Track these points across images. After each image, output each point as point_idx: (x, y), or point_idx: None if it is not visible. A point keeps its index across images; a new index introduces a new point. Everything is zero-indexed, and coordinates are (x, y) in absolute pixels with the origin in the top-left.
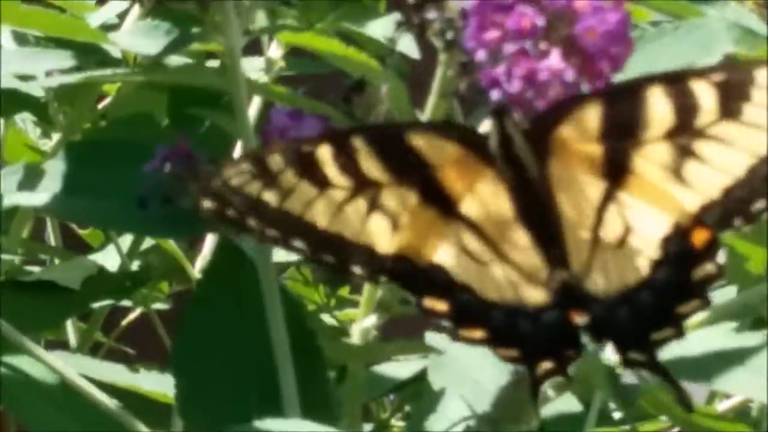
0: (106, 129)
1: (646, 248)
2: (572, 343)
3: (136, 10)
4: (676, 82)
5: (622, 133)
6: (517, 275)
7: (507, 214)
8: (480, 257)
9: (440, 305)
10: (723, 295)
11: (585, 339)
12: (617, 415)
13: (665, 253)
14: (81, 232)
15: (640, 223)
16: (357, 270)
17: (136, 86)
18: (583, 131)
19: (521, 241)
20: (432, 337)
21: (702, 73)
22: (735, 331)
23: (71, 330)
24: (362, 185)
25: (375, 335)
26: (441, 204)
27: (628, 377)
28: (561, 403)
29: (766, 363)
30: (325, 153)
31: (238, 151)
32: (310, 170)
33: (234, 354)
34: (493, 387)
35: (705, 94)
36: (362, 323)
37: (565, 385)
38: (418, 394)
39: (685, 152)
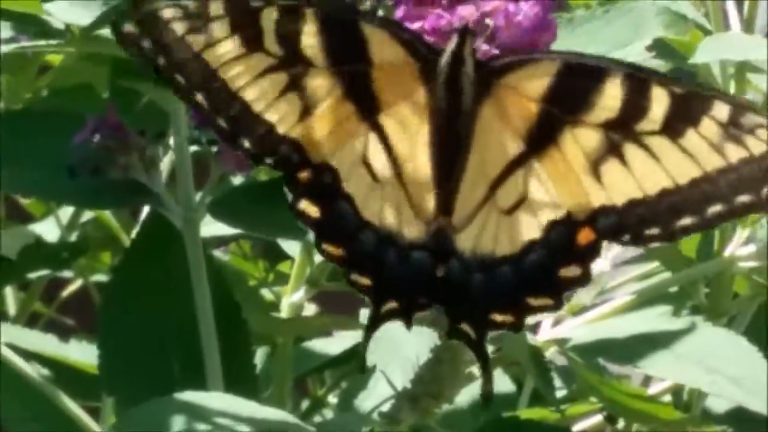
0: (47, 99)
1: (530, 225)
2: (427, 292)
3: None
4: (640, 78)
5: (566, 103)
6: (406, 203)
7: (421, 138)
8: (378, 173)
9: (313, 210)
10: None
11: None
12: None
13: (546, 237)
14: (24, 202)
15: (537, 197)
16: (245, 143)
17: (78, 57)
18: (531, 87)
19: (423, 172)
20: (366, 314)
21: (668, 81)
22: (663, 316)
23: (11, 300)
24: (292, 59)
25: (316, 311)
26: (363, 105)
27: (560, 360)
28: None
29: (692, 347)
30: (270, 15)
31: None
32: (248, 27)
33: (158, 326)
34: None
35: (659, 102)
36: (291, 298)
37: (493, 364)
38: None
39: (612, 149)
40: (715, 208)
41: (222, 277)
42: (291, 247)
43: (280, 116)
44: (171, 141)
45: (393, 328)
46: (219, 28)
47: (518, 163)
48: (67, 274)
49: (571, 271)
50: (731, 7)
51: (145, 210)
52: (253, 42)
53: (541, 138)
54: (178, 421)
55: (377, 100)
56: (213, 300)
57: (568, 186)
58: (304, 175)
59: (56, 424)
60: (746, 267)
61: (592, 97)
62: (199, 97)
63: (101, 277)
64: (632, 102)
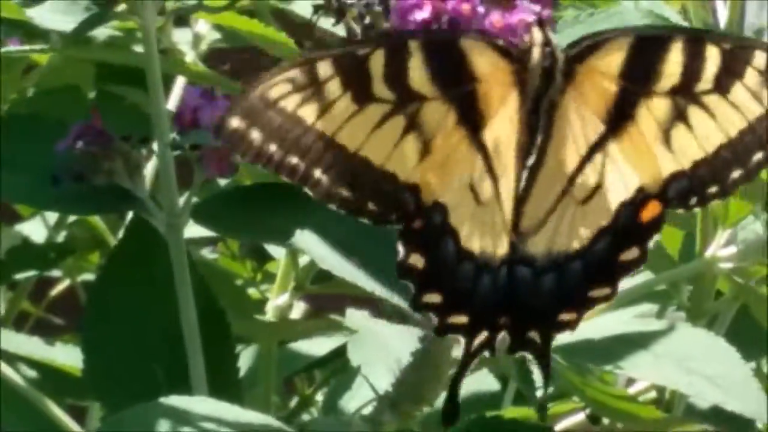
0: (32, 100)
1: (602, 211)
2: (505, 311)
3: None
4: (697, 39)
5: (639, 77)
6: (501, 222)
7: (511, 146)
8: (481, 194)
9: (419, 261)
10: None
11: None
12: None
13: (615, 221)
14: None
15: (613, 179)
16: (371, 206)
17: (64, 58)
18: (609, 66)
19: (511, 182)
20: (352, 314)
21: (718, 37)
22: (643, 317)
23: None
24: (405, 99)
25: (305, 308)
26: (471, 125)
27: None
28: (478, 381)
29: (671, 348)
30: (378, 59)
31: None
32: (357, 79)
33: (143, 330)
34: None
35: (712, 60)
36: (276, 301)
37: (475, 368)
38: (343, 370)
39: (679, 114)
40: (757, 156)
41: (206, 282)
42: (276, 249)
43: (402, 162)
44: (155, 146)
45: (377, 326)
46: (331, 90)
47: (598, 146)
48: (55, 273)
49: (632, 253)
50: (720, 7)
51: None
52: (364, 94)
53: (620, 116)
54: (163, 426)
55: (482, 116)
56: (197, 304)
57: (643, 160)
58: (418, 224)
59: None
60: (727, 268)
61: (660, 66)
62: (319, 174)
63: (89, 276)
64: (691, 64)
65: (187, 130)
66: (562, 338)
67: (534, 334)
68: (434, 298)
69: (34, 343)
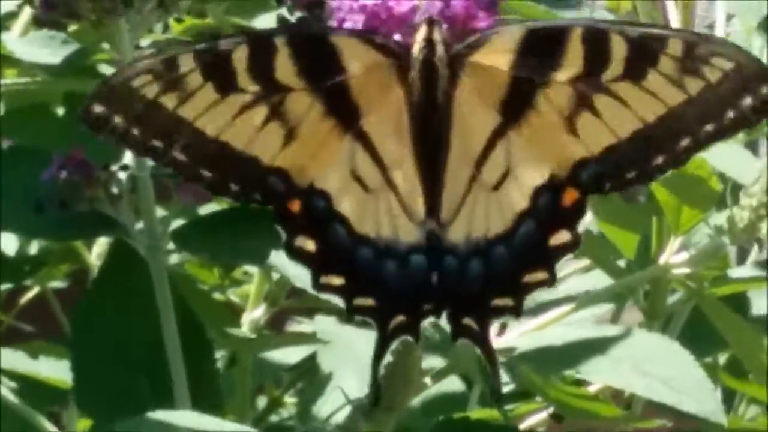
0: (3, 119)
1: (518, 196)
2: (430, 296)
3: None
4: (598, 30)
5: (534, 67)
6: (399, 207)
7: (404, 137)
8: (368, 181)
9: (309, 244)
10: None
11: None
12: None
13: (533, 205)
14: None
15: (520, 165)
16: (233, 187)
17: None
18: (500, 59)
19: (409, 171)
20: (321, 320)
21: (623, 27)
22: (600, 322)
23: None
24: (269, 90)
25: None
26: (345, 116)
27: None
28: (444, 384)
29: (627, 352)
30: (241, 55)
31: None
32: (219, 72)
33: (128, 347)
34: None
35: (618, 49)
36: (251, 314)
37: (443, 374)
38: (312, 371)
39: (583, 102)
40: (684, 142)
41: (185, 300)
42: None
43: (264, 148)
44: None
45: (346, 332)
46: (192, 81)
47: (498, 135)
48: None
49: (561, 237)
50: (671, 6)
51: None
52: (226, 85)
53: (517, 105)
54: None
55: (358, 108)
56: (177, 320)
57: (548, 147)
58: (295, 207)
59: None
60: (681, 273)
61: (558, 56)
62: (179, 155)
63: (59, 284)
64: (594, 54)
65: None
66: (523, 345)
67: (470, 321)
68: (335, 280)
69: (19, 357)
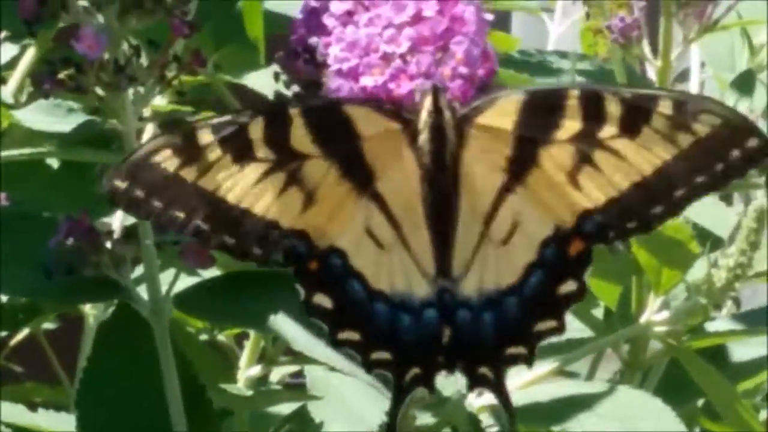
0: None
1: (526, 248)
2: (444, 349)
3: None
4: (592, 93)
5: (536, 128)
6: (412, 264)
7: (415, 198)
8: (383, 239)
9: (326, 301)
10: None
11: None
12: None
13: (541, 256)
14: None
15: (527, 220)
16: (255, 250)
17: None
18: (503, 121)
19: (421, 230)
20: (311, 370)
21: (616, 90)
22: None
23: None
24: (286, 158)
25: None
26: (359, 179)
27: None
28: None
29: (612, 408)
30: (257, 127)
31: None
32: (237, 144)
33: (132, 407)
34: (373, 420)
35: (613, 109)
36: (248, 372)
37: (435, 430)
38: (299, 415)
39: (584, 158)
40: (679, 192)
41: (186, 360)
42: None
43: (283, 211)
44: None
45: (336, 381)
46: (210, 154)
47: (505, 192)
48: None
49: (569, 286)
50: (649, 55)
51: None
52: (245, 155)
53: (521, 164)
54: None
55: (371, 170)
56: (180, 383)
57: (552, 201)
58: (313, 265)
59: None
60: (662, 331)
61: (557, 117)
62: (200, 224)
63: (49, 326)
64: (591, 115)
65: None
66: (513, 401)
67: (485, 371)
68: (352, 335)
69: (19, 411)
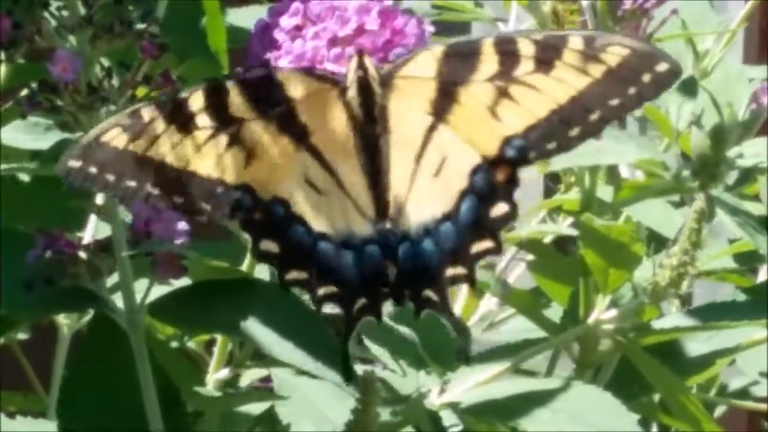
0: None
1: (456, 178)
2: (386, 281)
3: None
4: (506, 38)
5: (456, 73)
6: (350, 206)
7: (348, 147)
8: (321, 186)
9: (273, 246)
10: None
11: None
12: None
13: (472, 183)
14: None
15: (455, 153)
16: (204, 206)
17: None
18: (426, 71)
19: (356, 176)
20: (278, 373)
21: (528, 33)
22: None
23: None
24: (226, 123)
25: None
26: (295, 135)
27: (450, 419)
28: None
29: (566, 404)
30: (197, 100)
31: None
32: (180, 117)
33: (111, 414)
34: (338, 420)
35: (527, 50)
36: (216, 375)
37: (397, 427)
38: (269, 417)
39: (502, 93)
40: (595, 116)
41: (162, 366)
42: None
43: (227, 169)
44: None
45: (305, 385)
46: (156, 128)
47: (431, 131)
48: None
49: (501, 208)
50: None
51: None
52: (187, 126)
53: (444, 105)
54: None
55: (305, 126)
56: (156, 388)
57: (476, 134)
58: (258, 216)
59: None
60: (609, 329)
61: (475, 62)
62: (152, 189)
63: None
64: (506, 56)
65: (140, 238)
66: (468, 399)
67: (430, 294)
68: (300, 275)
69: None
